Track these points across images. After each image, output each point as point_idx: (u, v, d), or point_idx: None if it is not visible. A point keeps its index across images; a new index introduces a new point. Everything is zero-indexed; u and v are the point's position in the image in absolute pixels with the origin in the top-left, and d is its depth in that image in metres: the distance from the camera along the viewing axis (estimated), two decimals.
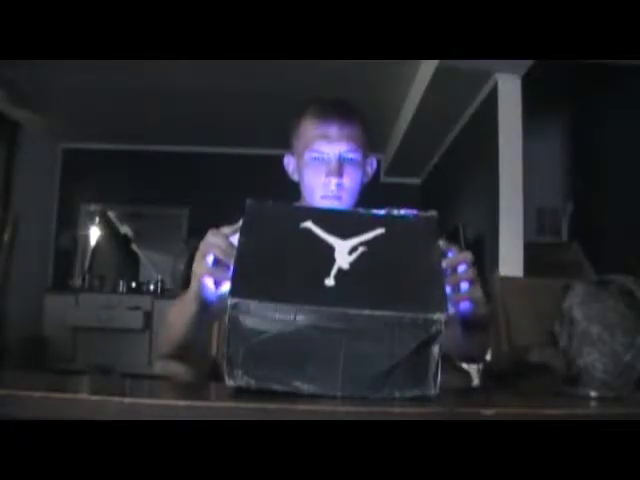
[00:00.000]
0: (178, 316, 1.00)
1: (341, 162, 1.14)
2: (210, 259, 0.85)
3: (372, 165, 1.26)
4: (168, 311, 1.06)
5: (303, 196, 1.21)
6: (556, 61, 3.35)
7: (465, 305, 0.89)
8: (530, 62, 3.35)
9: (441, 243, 0.83)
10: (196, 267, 0.87)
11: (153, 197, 5.92)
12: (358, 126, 1.18)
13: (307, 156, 1.16)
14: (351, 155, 1.15)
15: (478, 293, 0.89)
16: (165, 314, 1.08)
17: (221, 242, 0.85)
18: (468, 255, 0.88)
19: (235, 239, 0.81)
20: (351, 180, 1.16)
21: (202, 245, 0.87)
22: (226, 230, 0.87)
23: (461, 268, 0.87)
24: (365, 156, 1.20)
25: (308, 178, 1.17)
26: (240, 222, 0.83)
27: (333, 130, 1.14)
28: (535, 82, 3.57)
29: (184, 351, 1.07)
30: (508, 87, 3.57)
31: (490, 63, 3.40)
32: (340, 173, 1.14)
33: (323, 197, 1.15)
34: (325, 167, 1.14)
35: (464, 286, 0.88)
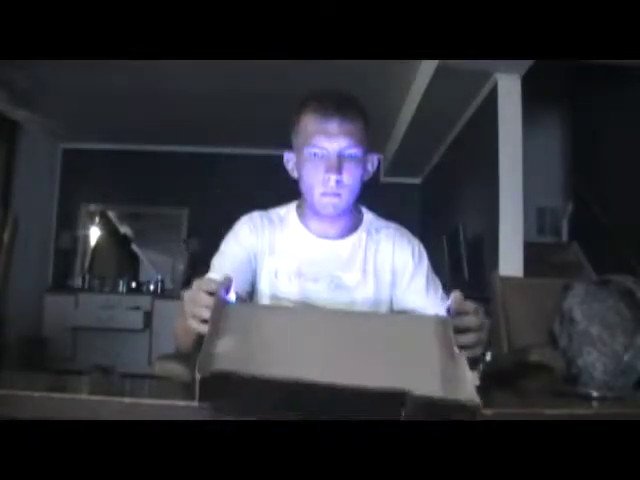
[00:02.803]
0: (184, 335, 0.99)
1: (341, 158, 1.11)
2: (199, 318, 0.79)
3: (373, 162, 1.22)
4: (175, 325, 1.05)
5: (303, 194, 1.20)
6: (556, 61, 3.35)
7: None
8: (530, 62, 3.35)
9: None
10: (190, 323, 0.80)
11: (153, 197, 5.92)
12: (359, 122, 1.14)
13: (306, 152, 1.13)
14: (351, 151, 1.12)
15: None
16: (173, 328, 1.07)
17: (205, 310, 0.77)
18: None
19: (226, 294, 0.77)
20: (351, 177, 1.12)
21: (187, 305, 0.80)
22: (212, 285, 0.79)
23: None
24: (366, 153, 1.17)
25: (307, 174, 1.14)
26: (227, 277, 0.79)
27: (333, 125, 1.11)
28: (535, 82, 3.57)
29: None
30: (508, 87, 3.57)
31: (490, 63, 3.39)
32: (339, 169, 1.11)
33: (322, 194, 1.13)
34: (324, 163, 1.11)
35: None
